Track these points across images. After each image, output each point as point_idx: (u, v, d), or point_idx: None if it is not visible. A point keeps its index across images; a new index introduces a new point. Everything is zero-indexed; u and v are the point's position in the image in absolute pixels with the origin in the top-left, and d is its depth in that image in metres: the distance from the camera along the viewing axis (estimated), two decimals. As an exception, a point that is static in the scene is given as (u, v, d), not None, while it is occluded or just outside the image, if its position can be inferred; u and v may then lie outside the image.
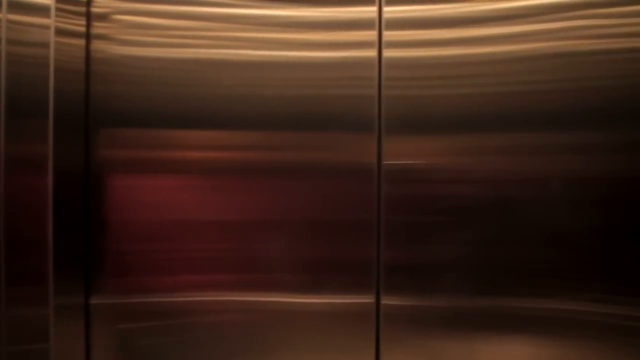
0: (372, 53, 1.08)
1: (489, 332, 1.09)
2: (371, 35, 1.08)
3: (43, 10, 1.03)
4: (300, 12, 1.10)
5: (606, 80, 1.04)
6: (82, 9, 1.11)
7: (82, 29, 1.11)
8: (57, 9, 1.04)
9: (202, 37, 1.10)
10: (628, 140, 1.03)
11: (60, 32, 1.05)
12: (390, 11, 1.08)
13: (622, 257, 1.04)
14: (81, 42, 1.11)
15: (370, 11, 1.08)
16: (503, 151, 1.07)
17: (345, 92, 1.09)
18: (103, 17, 1.12)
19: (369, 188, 1.08)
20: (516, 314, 1.07)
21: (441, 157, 1.08)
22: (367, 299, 1.10)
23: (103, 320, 1.13)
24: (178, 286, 1.12)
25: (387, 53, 1.08)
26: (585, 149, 1.05)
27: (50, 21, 1.03)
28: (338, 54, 1.09)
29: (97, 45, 1.12)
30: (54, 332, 1.04)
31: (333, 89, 1.09)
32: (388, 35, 1.08)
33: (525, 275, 1.07)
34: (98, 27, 1.12)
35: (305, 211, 1.10)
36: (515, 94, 1.06)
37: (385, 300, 1.09)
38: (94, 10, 1.12)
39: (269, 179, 1.10)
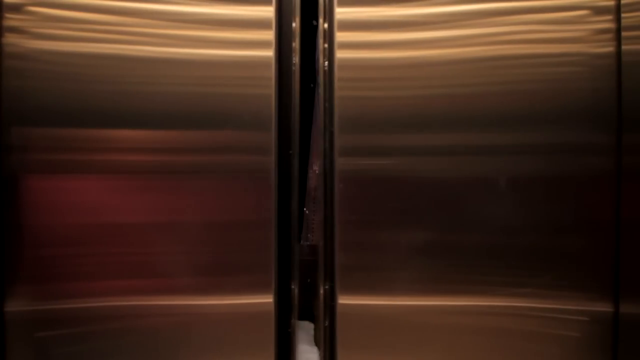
0: (269, 53, 1.08)
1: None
2: (269, 34, 1.08)
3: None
4: (198, 9, 1.08)
5: (532, 84, 1.08)
6: (-7, 0, 1.06)
7: (-7, 21, 1.07)
8: (-36, -2, 0.99)
9: (95, 31, 1.07)
10: (539, 143, 1.08)
11: (-34, 23, 1.01)
12: (288, 11, 1.08)
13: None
14: (-9, 34, 1.07)
15: (267, 11, 1.08)
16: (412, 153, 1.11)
17: (242, 91, 1.07)
18: (15, 8, 1.07)
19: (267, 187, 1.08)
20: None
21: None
22: (267, 299, 1.09)
23: (19, 328, 1.08)
24: (70, 293, 1.08)
25: (285, 53, 1.08)
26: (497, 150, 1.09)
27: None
28: (236, 53, 1.07)
29: (10, 38, 1.07)
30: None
31: (231, 88, 1.07)
32: (286, 34, 1.08)
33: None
34: (11, 19, 1.07)
35: (203, 212, 1.09)
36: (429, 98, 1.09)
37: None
38: (7, 0, 1.07)
39: (165, 179, 1.08)
